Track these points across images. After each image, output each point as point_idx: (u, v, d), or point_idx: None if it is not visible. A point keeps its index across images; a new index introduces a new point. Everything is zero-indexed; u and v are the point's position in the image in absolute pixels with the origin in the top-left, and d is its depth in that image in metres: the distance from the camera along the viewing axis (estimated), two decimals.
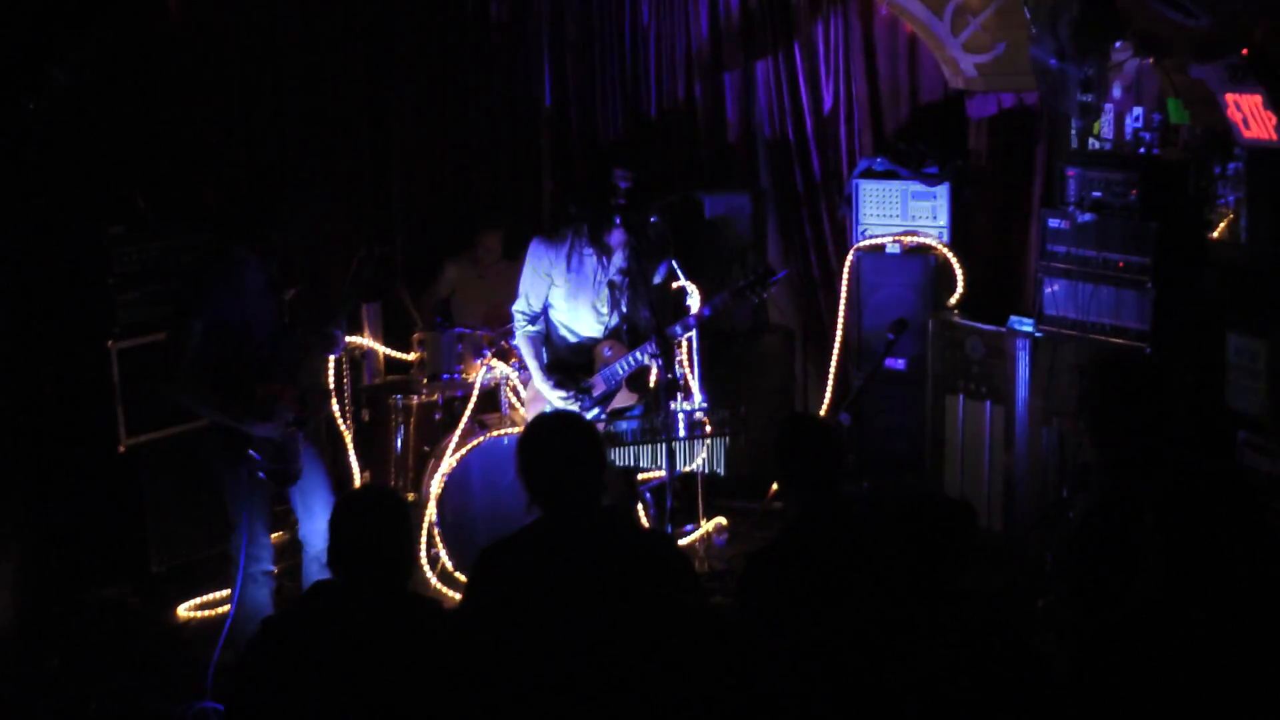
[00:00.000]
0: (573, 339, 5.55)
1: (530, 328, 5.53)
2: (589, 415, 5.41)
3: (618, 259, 5.47)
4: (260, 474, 4.84)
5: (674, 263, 5.76)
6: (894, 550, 3.22)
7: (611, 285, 5.49)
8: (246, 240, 4.88)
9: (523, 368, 5.90)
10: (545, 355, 5.54)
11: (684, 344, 6.10)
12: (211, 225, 5.59)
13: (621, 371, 5.47)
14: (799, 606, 3.49)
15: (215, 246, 4.96)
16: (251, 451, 4.82)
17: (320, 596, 3.44)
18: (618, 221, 5.34)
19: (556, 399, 5.43)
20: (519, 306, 5.54)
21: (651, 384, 5.63)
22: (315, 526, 5.10)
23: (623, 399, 5.56)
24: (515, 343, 5.68)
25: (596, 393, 5.48)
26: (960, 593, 3.16)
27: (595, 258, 5.44)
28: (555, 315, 5.54)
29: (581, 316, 5.52)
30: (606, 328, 5.53)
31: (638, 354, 5.41)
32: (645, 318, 5.38)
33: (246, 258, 4.86)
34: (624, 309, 5.52)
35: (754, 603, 3.65)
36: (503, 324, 6.25)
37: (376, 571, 3.28)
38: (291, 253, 5.90)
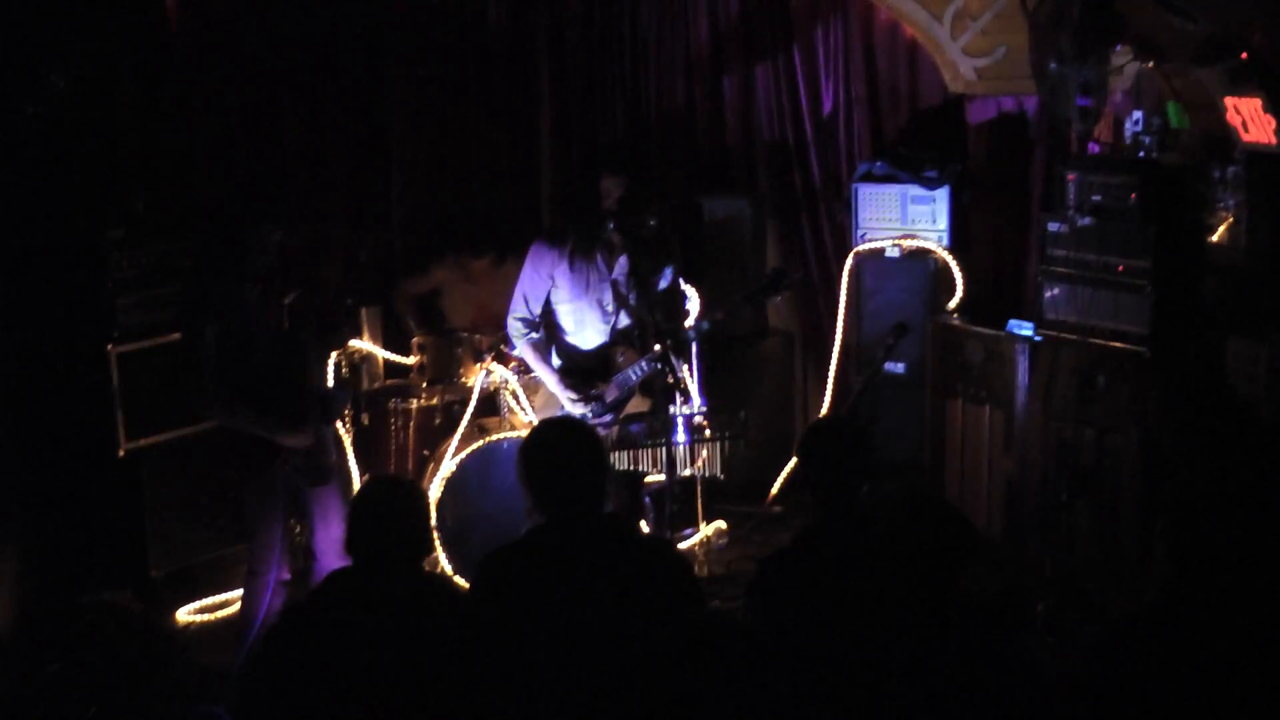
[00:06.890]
0: (581, 342, 5.53)
1: (532, 335, 5.48)
2: (600, 420, 5.41)
3: (621, 261, 5.46)
4: (298, 475, 4.88)
5: (674, 269, 5.76)
6: (895, 553, 3.21)
7: (615, 285, 5.47)
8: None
9: (523, 371, 5.88)
10: (556, 360, 5.52)
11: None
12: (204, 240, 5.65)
13: (634, 377, 5.45)
14: (810, 610, 3.49)
15: (207, 275, 5.04)
16: (280, 461, 4.86)
17: (338, 581, 3.53)
18: (611, 227, 5.33)
19: (571, 405, 5.42)
20: (517, 314, 5.48)
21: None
22: (330, 535, 5.02)
23: (636, 404, 5.56)
24: (517, 353, 5.64)
25: (609, 399, 5.48)
26: (960, 595, 3.16)
27: (597, 257, 5.43)
28: (560, 319, 5.52)
29: (587, 317, 5.49)
30: (613, 328, 5.52)
31: (649, 360, 5.38)
32: (650, 321, 5.38)
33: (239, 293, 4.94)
34: (632, 310, 5.51)
35: (765, 605, 3.64)
36: (492, 325, 6.23)
37: (394, 552, 3.40)
38: (290, 258, 5.90)
